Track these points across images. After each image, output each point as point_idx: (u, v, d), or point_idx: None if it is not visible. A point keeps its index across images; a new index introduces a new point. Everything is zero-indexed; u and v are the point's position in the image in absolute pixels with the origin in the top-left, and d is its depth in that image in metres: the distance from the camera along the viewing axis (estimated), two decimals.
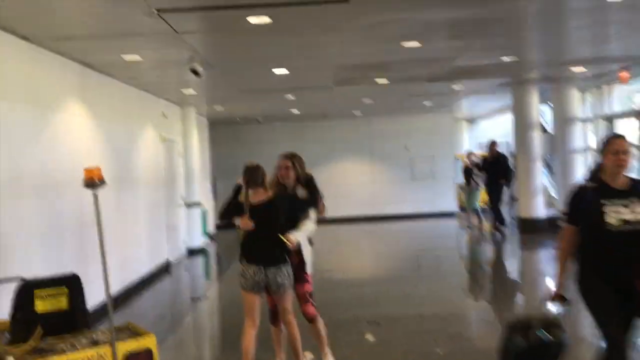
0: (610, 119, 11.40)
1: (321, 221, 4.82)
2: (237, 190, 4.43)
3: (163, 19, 5.01)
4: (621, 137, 3.60)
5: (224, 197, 4.75)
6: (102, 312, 6.70)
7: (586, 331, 5.24)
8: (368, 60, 7.82)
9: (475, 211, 13.40)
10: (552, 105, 13.08)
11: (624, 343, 3.38)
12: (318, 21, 5.50)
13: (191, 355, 5.96)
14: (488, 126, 19.96)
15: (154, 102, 10.21)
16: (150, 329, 6.70)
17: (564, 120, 12.11)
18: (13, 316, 3.20)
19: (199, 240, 12.32)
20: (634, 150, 6.97)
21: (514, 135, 12.31)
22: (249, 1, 4.75)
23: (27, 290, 3.20)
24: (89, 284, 4.84)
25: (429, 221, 15.81)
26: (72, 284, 3.39)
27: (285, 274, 4.27)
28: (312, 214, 4.59)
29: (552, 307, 3.60)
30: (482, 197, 13.74)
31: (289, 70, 8.11)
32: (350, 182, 16.83)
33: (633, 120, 10.62)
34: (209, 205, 13.77)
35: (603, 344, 3.44)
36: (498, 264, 10.45)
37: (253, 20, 5.19)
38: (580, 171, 12.14)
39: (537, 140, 11.99)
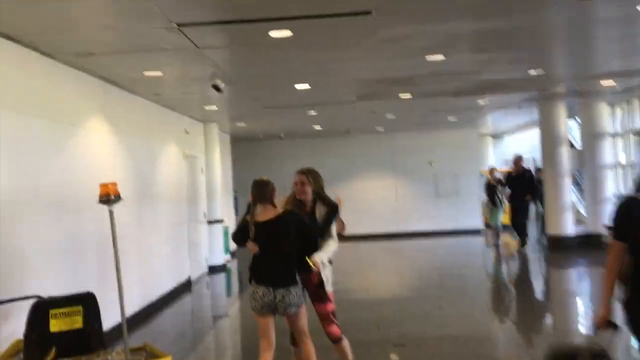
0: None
1: (342, 238, 4.67)
2: (249, 208, 4.29)
3: (183, 34, 4.97)
4: None
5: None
6: (116, 334, 6.65)
7: None
8: (391, 74, 7.70)
9: (497, 229, 13.08)
10: (579, 120, 12.80)
11: None
12: (340, 34, 5.40)
13: None
14: (513, 142, 19.66)
15: (177, 119, 10.22)
16: (170, 347, 6.66)
17: (593, 135, 11.83)
18: (27, 336, 3.12)
19: (220, 257, 12.23)
20: None
21: (541, 151, 12.04)
22: (269, 14, 4.68)
23: (42, 310, 3.13)
24: (108, 302, 4.77)
25: (453, 238, 15.52)
26: (87, 303, 3.31)
27: (294, 295, 4.10)
28: (334, 232, 4.44)
29: (599, 335, 3.21)
30: (504, 215, 13.47)
31: (310, 85, 8.04)
32: (372, 198, 16.65)
33: None
34: (231, 222, 13.71)
35: None
36: (525, 283, 10.14)
37: (274, 34, 5.13)
38: (610, 187, 11.83)
39: (565, 156, 11.70)
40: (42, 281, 5.13)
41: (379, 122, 13.96)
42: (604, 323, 3.21)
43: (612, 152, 11.99)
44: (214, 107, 9.94)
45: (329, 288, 4.39)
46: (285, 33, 5.12)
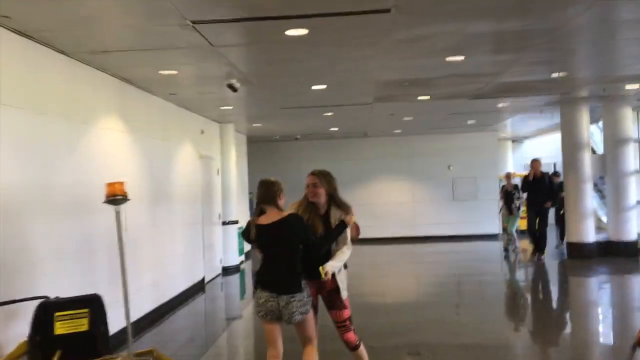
0: None
1: (358, 241, 4.53)
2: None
3: (198, 32, 4.88)
4: None
5: None
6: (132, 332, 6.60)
7: None
8: (409, 75, 7.56)
9: (512, 236, 12.82)
10: (602, 125, 12.52)
11: None
12: (357, 33, 5.28)
13: None
14: (534, 146, 19.38)
15: (193, 119, 10.17)
16: (182, 349, 6.59)
17: (616, 140, 11.55)
18: (31, 338, 3.05)
19: (235, 258, 12.17)
20: None
21: (563, 156, 11.77)
22: (285, 12, 4.57)
23: (46, 312, 3.05)
24: (119, 304, 4.71)
25: (470, 243, 15.30)
26: (93, 305, 3.23)
27: (299, 302, 3.93)
28: (349, 239, 4.28)
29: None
30: (520, 222, 13.23)
31: (327, 86, 7.93)
32: (389, 201, 16.49)
33: None
34: (249, 222, 13.61)
35: None
36: (544, 290, 9.92)
37: (290, 32, 5.02)
38: (633, 194, 11.54)
39: (587, 161, 11.43)
40: (53, 282, 5.07)
41: (397, 124, 13.80)
42: None
43: (636, 158, 11.72)
44: (230, 107, 9.88)
45: (344, 294, 4.27)
46: (302, 31, 5.01)
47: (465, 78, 7.83)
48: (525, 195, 12.09)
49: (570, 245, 11.62)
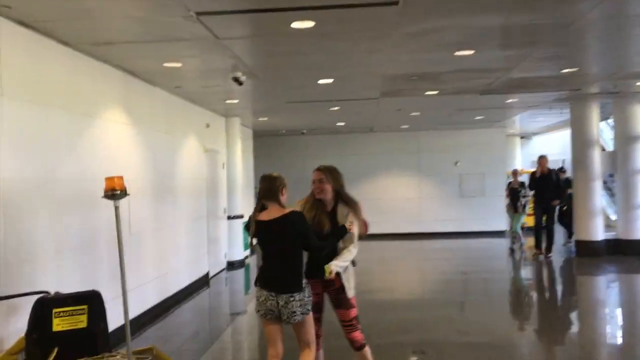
0: None
1: (363, 237, 4.43)
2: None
3: (202, 23, 4.79)
4: None
5: None
6: (131, 329, 6.52)
7: None
8: (417, 70, 7.44)
9: (517, 234, 12.65)
10: (610, 122, 12.37)
11: None
12: (365, 26, 5.17)
13: None
14: (542, 143, 19.22)
15: (198, 112, 10.10)
16: (186, 343, 6.54)
17: (627, 138, 11.39)
18: (29, 335, 2.98)
19: (240, 253, 12.11)
20: None
21: (572, 153, 11.63)
22: (291, 4, 4.47)
23: (44, 308, 2.98)
24: (121, 300, 4.65)
25: (477, 240, 15.19)
26: (92, 302, 3.15)
27: (298, 302, 3.80)
28: (356, 237, 4.17)
29: None
30: (526, 219, 13.09)
31: (334, 80, 7.82)
32: (395, 197, 16.40)
33: None
34: (249, 218, 13.55)
35: None
36: (551, 289, 9.81)
37: (296, 25, 4.92)
38: None
39: (597, 158, 11.29)
40: (54, 277, 5.02)
41: (404, 119, 13.68)
42: None
43: None
44: (236, 101, 9.79)
45: (350, 293, 4.18)
46: (308, 24, 4.91)
47: (474, 73, 7.71)
48: (531, 193, 11.92)
49: (579, 243, 11.50)
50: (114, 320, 4.54)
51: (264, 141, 15.85)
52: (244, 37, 5.52)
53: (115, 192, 3.02)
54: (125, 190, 3.06)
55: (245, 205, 12.69)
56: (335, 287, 4.14)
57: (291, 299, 3.77)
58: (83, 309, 3.09)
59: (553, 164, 12.71)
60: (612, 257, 11.12)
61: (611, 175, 13.17)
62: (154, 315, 7.53)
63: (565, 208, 12.25)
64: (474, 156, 16.40)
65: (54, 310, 2.98)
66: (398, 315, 7.49)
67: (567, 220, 12.95)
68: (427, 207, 16.50)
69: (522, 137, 19.77)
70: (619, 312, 7.82)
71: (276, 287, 3.79)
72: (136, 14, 4.63)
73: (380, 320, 6.96)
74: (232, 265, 11.77)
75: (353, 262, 4.24)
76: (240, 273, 11.60)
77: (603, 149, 12.61)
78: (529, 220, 13.15)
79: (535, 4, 4.86)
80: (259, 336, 6.95)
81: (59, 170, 5.31)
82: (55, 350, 2.91)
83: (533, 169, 12.43)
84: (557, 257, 11.78)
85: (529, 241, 13.09)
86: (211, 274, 10.57)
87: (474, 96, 9.84)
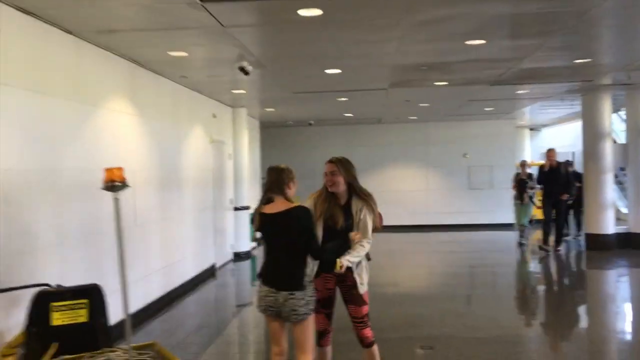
0: None
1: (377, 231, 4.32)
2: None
3: (207, 11, 4.68)
4: None
5: None
6: (136, 321, 6.46)
7: None
8: (427, 59, 7.30)
9: (523, 228, 12.46)
10: (622, 114, 12.17)
11: None
12: (374, 14, 5.04)
13: None
14: (552, 135, 19.01)
15: (204, 102, 10.01)
16: (191, 336, 6.47)
17: (638, 130, 11.20)
18: (28, 329, 2.91)
19: (246, 244, 12.05)
20: None
21: (583, 145, 11.45)
22: None
23: (43, 302, 2.91)
24: (128, 289, 4.57)
25: (486, 232, 15.07)
26: (92, 295, 3.08)
27: (299, 301, 3.62)
28: (370, 232, 4.05)
29: None
30: (535, 212, 12.89)
31: (342, 70, 7.70)
32: (403, 189, 16.28)
33: None
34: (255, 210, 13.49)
35: None
36: (561, 283, 9.68)
37: (303, 12, 4.80)
38: None
39: (608, 151, 11.11)
40: (57, 268, 4.96)
41: (412, 110, 13.54)
42: None
43: None
44: (242, 91, 9.69)
45: (362, 289, 4.07)
46: (316, 12, 4.79)
47: (485, 63, 7.57)
48: (539, 186, 11.66)
49: (589, 236, 11.36)
50: (119, 312, 4.47)
51: (270, 132, 15.75)
52: (250, 25, 5.40)
53: (114, 183, 2.93)
54: (125, 182, 2.96)
55: (252, 197, 12.62)
56: (349, 283, 4.04)
57: (291, 296, 3.61)
58: (83, 303, 3.01)
59: (563, 157, 12.51)
60: (622, 250, 10.97)
61: (622, 169, 12.97)
62: (160, 307, 7.48)
63: (570, 202, 11.95)
64: (483, 148, 16.26)
65: (53, 304, 2.90)
66: (405, 309, 7.39)
67: (575, 214, 12.77)
68: (434, 199, 16.38)
69: (531, 129, 19.56)
70: (629, 306, 7.70)
71: (277, 284, 3.65)
72: (140, 1, 4.53)
73: (387, 314, 6.87)
74: (238, 257, 11.72)
75: (367, 257, 4.14)
76: (246, 264, 11.54)
77: (614, 142, 12.41)
78: (538, 213, 12.98)
79: None
80: (264, 329, 6.87)
81: (62, 161, 5.23)
82: (55, 345, 2.83)
83: (542, 162, 12.24)
84: (567, 251, 11.64)
85: (537, 234, 12.95)
86: (217, 265, 10.52)
87: (484, 87, 9.69)
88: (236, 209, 11.76)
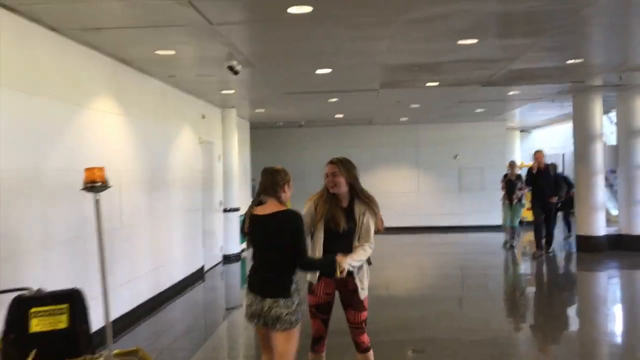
0: None
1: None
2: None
3: (195, 7, 4.57)
4: None
5: None
6: (123, 325, 6.34)
7: None
8: (418, 59, 7.23)
9: (514, 230, 12.36)
10: (611, 116, 12.17)
11: None
12: (365, 11, 4.95)
13: None
14: (542, 136, 19.04)
15: (193, 103, 9.88)
16: (179, 339, 6.34)
17: (630, 131, 11.20)
18: (5, 336, 2.79)
19: (236, 246, 11.93)
20: None
21: (574, 147, 11.42)
22: None
23: (21, 308, 2.79)
24: (114, 293, 4.44)
25: (476, 234, 15.03)
26: (73, 300, 2.95)
27: (284, 310, 3.42)
28: (372, 236, 3.98)
29: None
30: (524, 214, 12.81)
31: (332, 69, 7.60)
32: (394, 191, 16.20)
33: None
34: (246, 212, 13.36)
35: None
36: (553, 285, 9.63)
37: (294, 10, 4.70)
38: None
39: (599, 153, 11.09)
40: (41, 272, 4.82)
41: (403, 112, 13.47)
42: None
43: None
44: (232, 92, 9.57)
45: (363, 294, 3.98)
46: (306, 9, 4.69)
47: (476, 63, 7.50)
48: (527, 187, 11.50)
49: (580, 238, 11.33)
50: (103, 316, 4.35)
51: (260, 133, 15.64)
52: (239, 22, 5.29)
53: (95, 184, 2.80)
54: (107, 182, 2.84)
55: (242, 198, 12.51)
56: (350, 287, 3.93)
57: (275, 304, 3.41)
58: (63, 308, 2.89)
59: (553, 158, 12.46)
60: (613, 252, 10.96)
61: (613, 171, 12.94)
62: (147, 310, 7.35)
63: (559, 205, 11.83)
64: (473, 150, 16.24)
65: (32, 310, 2.78)
66: (397, 312, 7.31)
67: (564, 216, 12.69)
68: (425, 200, 16.33)
69: (521, 131, 19.58)
70: (620, 308, 7.66)
71: (261, 290, 3.47)
72: None
73: (378, 317, 6.75)
74: (228, 259, 11.59)
75: (368, 261, 4.04)
76: (236, 267, 11.41)
77: (604, 143, 12.40)
78: (527, 215, 12.92)
79: None
80: (255, 332, 6.76)
81: (45, 161, 5.10)
82: (33, 352, 2.71)
83: (529, 164, 12.12)
84: (558, 253, 11.62)
85: (527, 236, 12.91)
86: (206, 268, 10.39)
87: (475, 88, 9.64)
88: (226, 210, 11.63)
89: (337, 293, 4.06)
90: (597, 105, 11.09)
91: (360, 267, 3.93)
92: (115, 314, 6.26)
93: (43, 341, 2.77)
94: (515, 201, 12.13)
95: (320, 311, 3.97)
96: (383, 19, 5.22)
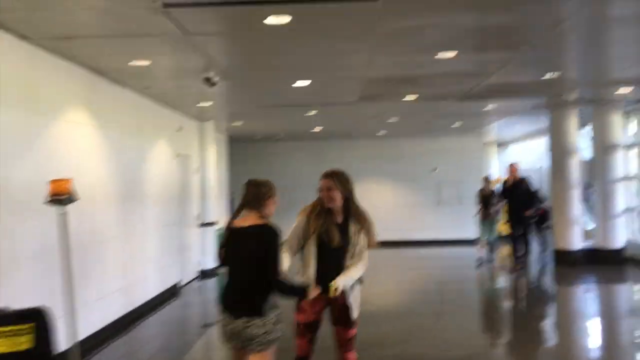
0: None
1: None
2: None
3: (170, 17, 4.47)
4: None
5: None
6: (94, 344, 6.12)
7: None
8: (397, 72, 7.21)
9: (491, 244, 12.32)
10: (586, 130, 12.29)
11: None
12: (343, 24, 4.91)
13: None
14: (518, 151, 19.20)
15: (169, 115, 9.73)
16: (152, 358, 6.13)
17: (605, 146, 11.32)
18: None
19: (213, 261, 11.72)
20: None
21: (551, 161, 11.50)
22: None
23: None
24: (85, 310, 4.27)
25: (454, 248, 15.03)
26: (37, 320, 2.80)
27: (258, 329, 3.23)
28: (366, 255, 3.90)
29: None
30: (501, 228, 12.83)
31: (311, 82, 7.54)
32: (372, 205, 15.94)
33: None
34: (224, 225, 13.20)
35: None
36: (530, 299, 9.61)
37: (272, 20, 4.63)
38: (621, 201, 11.33)
39: (575, 167, 11.18)
40: (7, 290, 4.61)
41: (381, 125, 13.48)
42: None
43: (625, 165, 11.51)
44: (209, 104, 9.45)
45: (355, 314, 3.87)
46: (284, 19, 4.62)
47: (455, 77, 7.51)
48: (502, 202, 11.47)
49: (557, 252, 11.37)
50: (72, 335, 4.17)
51: (238, 147, 15.51)
52: (216, 33, 5.19)
53: (60, 197, 2.66)
54: (73, 195, 2.70)
55: (219, 213, 12.34)
56: (340, 303, 3.82)
57: (248, 324, 3.22)
58: (27, 328, 2.73)
59: (529, 173, 12.47)
60: (589, 266, 11.00)
61: (588, 187, 13.03)
62: (120, 328, 7.12)
63: (534, 219, 11.82)
64: (451, 164, 16.32)
65: None
66: (374, 328, 7.17)
67: (538, 231, 12.57)
68: (404, 214, 16.31)
69: (498, 145, 19.74)
70: (597, 323, 7.66)
71: (234, 310, 3.28)
72: (98, 4, 4.30)
73: (358, 333, 6.66)
74: (204, 274, 11.38)
75: (360, 280, 3.95)
76: (213, 282, 11.20)
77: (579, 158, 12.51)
78: (504, 229, 12.94)
79: (522, 4, 4.66)
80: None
81: (13, 174, 4.90)
82: None
83: (503, 177, 12.12)
84: (535, 267, 11.63)
85: (505, 250, 12.92)
86: (182, 284, 10.18)
87: (453, 102, 9.67)
88: (202, 224, 11.45)
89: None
90: (573, 120, 11.19)
91: (353, 286, 3.83)
92: (85, 333, 6.05)
93: None
94: (491, 216, 12.12)
95: (309, 329, 3.84)
96: (360, 32, 5.17)
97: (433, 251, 14.81)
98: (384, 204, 16.31)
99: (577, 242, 11.20)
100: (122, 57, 5.86)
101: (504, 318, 8.25)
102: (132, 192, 7.80)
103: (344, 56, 6.14)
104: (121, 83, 7.23)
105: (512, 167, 11.14)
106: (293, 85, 7.64)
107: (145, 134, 8.50)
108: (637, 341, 6.76)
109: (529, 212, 10.95)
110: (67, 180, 2.72)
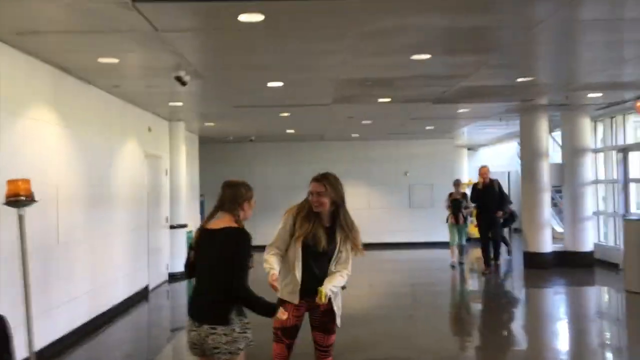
0: (624, 151, 10.80)
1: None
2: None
3: (139, 12, 4.32)
4: None
5: None
6: (59, 349, 5.91)
7: None
8: (372, 74, 7.16)
9: (462, 248, 12.35)
10: (555, 135, 12.46)
11: None
12: (318, 23, 4.82)
13: None
14: (489, 155, 19.42)
15: (139, 115, 9.52)
16: None
17: (574, 150, 11.48)
18: None
19: (183, 264, 11.50)
20: None
21: (521, 165, 11.62)
22: None
23: None
24: (49, 315, 4.09)
25: (426, 251, 15.09)
26: None
27: (223, 337, 3.08)
28: (350, 264, 3.85)
29: None
30: (471, 230, 12.90)
31: (284, 83, 7.44)
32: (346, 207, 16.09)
33: None
34: (196, 227, 12.99)
35: None
36: (501, 302, 9.66)
37: (244, 17, 4.52)
38: (590, 205, 11.49)
39: (545, 170, 11.31)
40: None
41: (355, 128, 13.44)
42: None
43: (593, 168, 11.70)
44: (180, 104, 9.28)
45: (339, 321, 3.80)
46: (257, 17, 4.51)
47: (429, 80, 7.50)
48: (473, 205, 11.50)
49: (527, 254, 11.49)
50: (36, 342, 3.99)
51: (210, 148, 15.32)
52: (187, 30, 5.05)
53: (19, 198, 2.51)
54: (32, 196, 2.55)
55: (190, 215, 12.14)
56: (323, 309, 3.73)
57: (213, 331, 3.07)
58: None
59: (498, 176, 12.54)
60: (559, 269, 11.14)
61: (558, 191, 13.21)
62: (86, 333, 6.92)
63: (503, 220, 11.87)
64: (423, 167, 16.41)
65: None
66: (347, 331, 7.07)
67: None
68: (376, 217, 16.29)
69: (469, 149, 19.93)
70: (567, 325, 7.74)
71: (199, 316, 3.15)
72: None
73: None
74: (174, 278, 11.16)
75: (343, 286, 3.89)
76: (182, 285, 10.99)
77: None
78: (475, 232, 13.00)
79: (496, 7, 4.65)
80: None
81: None
82: None
83: (473, 180, 12.16)
84: (505, 269, 11.72)
85: (475, 252, 12.99)
86: (151, 287, 9.96)
87: (426, 105, 9.67)
88: (172, 227, 11.24)
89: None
90: (544, 124, 11.34)
91: (336, 294, 3.77)
92: (49, 339, 5.85)
93: None
94: (462, 221, 12.12)
95: (286, 335, 3.73)
96: (335, 32, 5.10)
97: (406, 253, 14.83)
98: (356, 206, 16.10)
99: (547, 244, 11.34)
100: (90, 54, 5.68)
101: (474, 321, 8.28)
102: (99, 193, 7.59)
103: (319, 57, 6.06)
104: (88, 80, 7.03)
105: (483, 169, 11.13)
106: (267, 85, 7.52)
107: (114, 134, 8.29)
108: (606, 343, 6.84)
109: (499, 213, 10.99)
110: (25, 181, 2.57)
